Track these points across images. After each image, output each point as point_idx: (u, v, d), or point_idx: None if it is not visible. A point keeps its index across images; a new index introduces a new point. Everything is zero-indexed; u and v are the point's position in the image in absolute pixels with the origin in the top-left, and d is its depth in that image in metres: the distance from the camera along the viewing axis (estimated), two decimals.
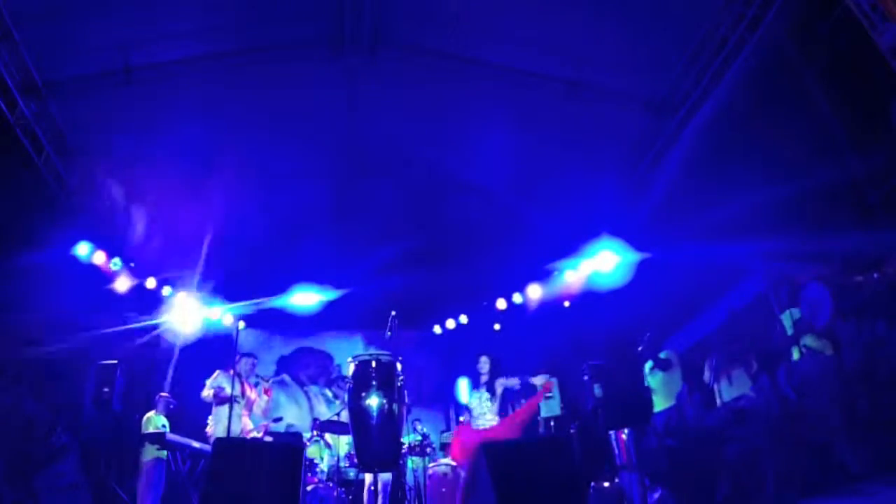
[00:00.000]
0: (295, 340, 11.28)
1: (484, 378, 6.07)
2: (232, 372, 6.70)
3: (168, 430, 7.20)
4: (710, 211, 6.80)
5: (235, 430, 6.61)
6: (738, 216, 6.52)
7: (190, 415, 7.93)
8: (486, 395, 5.99)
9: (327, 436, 7.70)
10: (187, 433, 7.14)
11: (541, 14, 7.06)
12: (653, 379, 7.25)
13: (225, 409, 6.59)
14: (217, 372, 7.02)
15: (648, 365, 7.35)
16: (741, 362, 7.24)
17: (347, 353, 6.73)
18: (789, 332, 6.11)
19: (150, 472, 7.11)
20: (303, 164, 8.59)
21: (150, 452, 7.14)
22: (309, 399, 10.62)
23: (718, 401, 6.81)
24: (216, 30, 7.00)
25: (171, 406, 7.59)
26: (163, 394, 7.71)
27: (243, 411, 6.88)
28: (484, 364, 6.07)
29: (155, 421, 7.34)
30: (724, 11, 6.60)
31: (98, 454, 7.10)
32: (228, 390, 6.58)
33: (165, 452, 6.96)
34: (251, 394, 7.07)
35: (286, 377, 10.98)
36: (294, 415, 10.19)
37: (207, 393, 6.81)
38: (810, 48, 6.21)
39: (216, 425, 6.68)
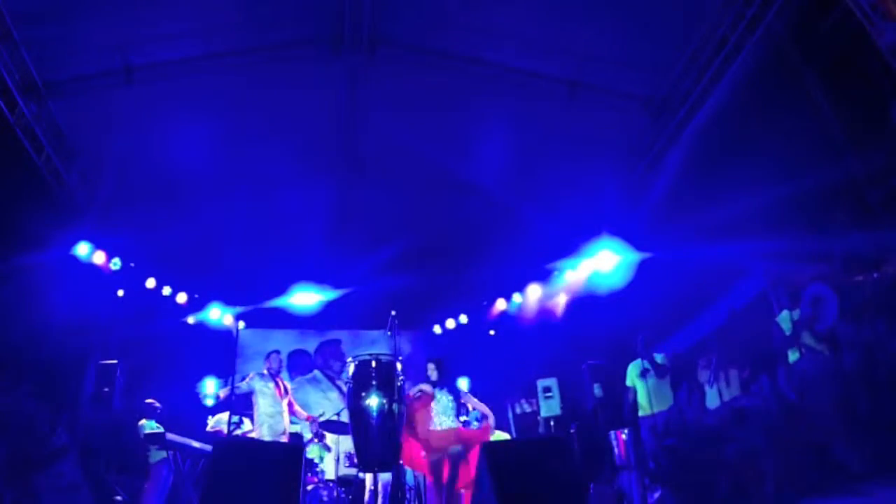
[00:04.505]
0: (315, 336, 11.29)
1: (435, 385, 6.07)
2: (266, 372, 7.05)
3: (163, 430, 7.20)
4: (710, 211, 6.80)
5: (279, 429, 6.86)
6: (738, 216, 6.52)
7: (189, 415, 7.93)
8: (450, 397, 5.96)
9: (328, 438, 7.66)
10: (187, 433, 7.14)
11: (541, 14, 7.06)
12: (647, 382, 7.18)
13: (265, 407, 6.85)
14: (252, 373, 7.17)
15: (639, 366, 7.29)
16: (739, 364, 7.23)
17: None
18: (788, 332, 6.10)
19: (158, 474, 7.12)
20: (303, 163, 8.59)
21: (157, 455, 7.14)
22: (341, 391, 10.54)
23: (718, 401, 6.80)
24: (216, 30, 7.00)
25: (159, 411, 7.57)
26: (149, 400, 7.67)
27: (284, 406, 7.04)
28: (432, 371, 6.09)
29: (149, 426, 7.34)
30: (723, 11, 6.60)
31: (98, 454, 7.10)
32: (261, 386, 6.88)
33: (165, 452, 6.97)
34: (286, 386, 7.30)
35: (317, 374, 10.99)
36: (326, 409, 10.02)
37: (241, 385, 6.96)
38: (810, 48, 6.21)
39: (261, 427, 6.82)
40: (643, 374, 7.21)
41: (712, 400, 6.92)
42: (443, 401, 5.88)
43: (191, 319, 9.89)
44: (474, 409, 6.55)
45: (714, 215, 6.74)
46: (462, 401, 6.18)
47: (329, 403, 9.73)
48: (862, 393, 4.37)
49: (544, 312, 10.30)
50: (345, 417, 6.11)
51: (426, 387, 6.00)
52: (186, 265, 9.63)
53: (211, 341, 9.72)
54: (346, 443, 7.21)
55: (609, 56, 7.44)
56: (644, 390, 7.13)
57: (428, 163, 8.36)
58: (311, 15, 7.12)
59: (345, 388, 10.30)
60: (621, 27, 7.00)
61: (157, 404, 7.55)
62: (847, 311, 5.47)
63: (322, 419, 7.39)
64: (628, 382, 7.44)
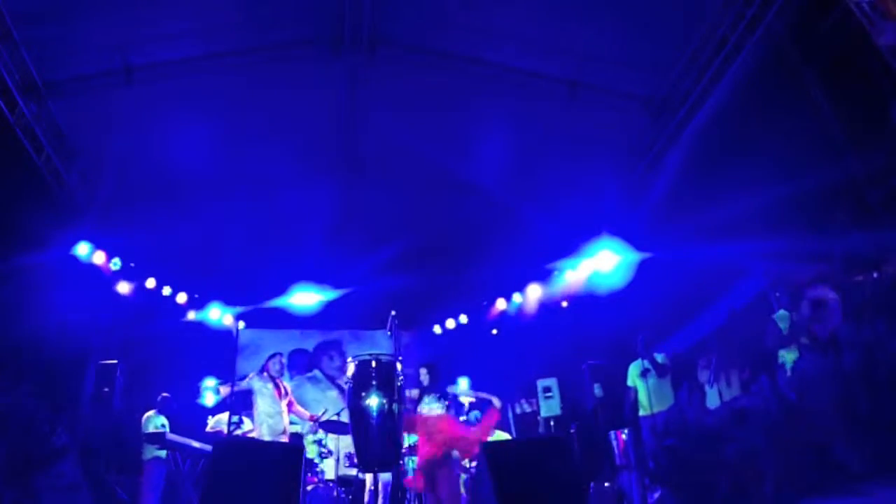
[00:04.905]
0: (309, 336, 11.30)
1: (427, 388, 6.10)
2: (265, 373, 7.10)
3: (168, 429, 7.22)
4: (710, 211, 6.80)
5: (278, 428, 6.88)
6: (737, 216, 6.52)
7: (189, 415, 7.94)
8: (441, 403, 5.97)
9: (329, 441, 7.63)
10: (187, 433, 7.15)
11: (541, 14, 7.06)
12: (647, 381, 7.20)
13: (264, 407, 6.88)
14: (252, 374, 7.23)
15: (640, 366, 7.31)
16: (739, 364, 7.23)
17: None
18: (785, 331, 6.11)
19: (150, 471, 7.15)
20: (303, 163, 8.59)
21: (151, 452, 7.18)
22: (341, 390, 10.56)
23: (718, 401, 6.81)
24: (216, 30, 7.00)
25: (174, 406, 7.61)
26: (164, 394, 7.72)
27: (283, 406, 7.08)
28: (424, 377, 6.10)
29: (154, 420, 7.36)
30: (723, 11, 6.60)
31: (98, 454, 7.11)
32: (259, 386, 6.94)
33: (165, 452, 6.98)
34: (286, 387, 7.36)
35: (317, 373, 11.00)
36: (324, 407, 10.06)
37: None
38: (810, 48, 6.21)
39: (260, 426, 6.85)
40: (644, 374, 7.23)
41: (712, 400, 6.92)
42: (432, 406, 5.87)
43: (191, 315, 9.88)
44: (472, 408, 6.53)
45: (714, 215, 6.74)
46: (460, 400, 6.17)
47: (328, 402, 9.77)
48: (862, 393, 4.37)
49: (544, 312, 10.30)
50: (345, 417, 6.12)
51: (414, 392, 5.99)
52: (186, 265, 9.63)
53: (211, 341, 9.72)
54: (346, 442, 7.22)
55: (609, 56, 7.44)
56: (645, 390, 7.14)
57: (428, 163, 8.36)
58: (311, 15, 7.12)
59: (345, 388, 10.42)
60: (621, 27, 6.99)
61: (172, 400, 7.62)
62: (847, 311, 5.47)
63: (323, 419, 7.40)
64: (629, 382, 7.46)
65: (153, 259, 9.23)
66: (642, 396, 7.18)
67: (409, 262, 9.27)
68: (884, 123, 5.45)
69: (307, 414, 7.47)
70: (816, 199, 5.96)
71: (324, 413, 7.55)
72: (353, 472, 7.18)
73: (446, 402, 5.99)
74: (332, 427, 7.35)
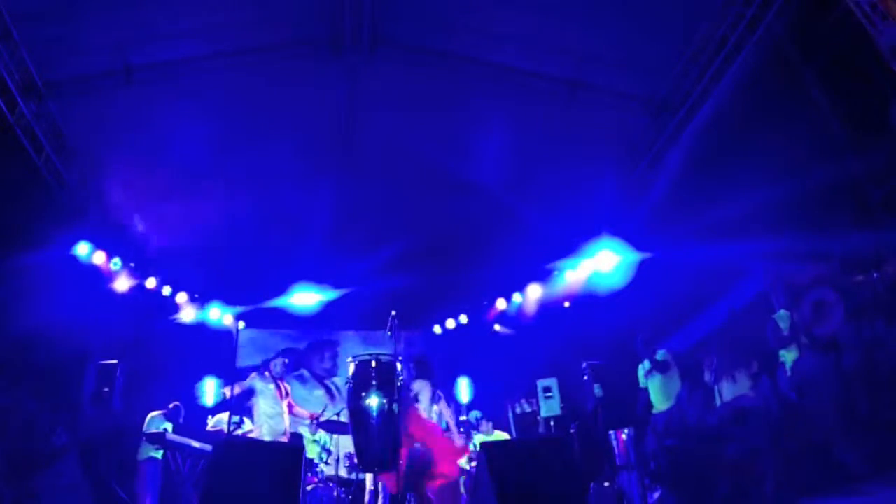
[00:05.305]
0: (305, 336, 11.31)
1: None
2: (267, 374, 7.11)
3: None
4: (710, 211, 6.81)
5: (279, 429, 6.90)
6: (737, 216, 6.53)
7: (189, 415, 7.94)
8: (433, 406, 5.98)
9: (330, 443, 7.62)
10: (188, 433, 7.15)
11: (541, 14, 7.06)
12: (651, 381, 7.27)
13: (265, 407, 6.88)
14: (253, 374, 7.22)
15: (645, 366, 7.36)
16: (741, 362, 7.23)
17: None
18: (785, 330, 6.12)
19: (145, 471, 7.15)
20: (303, 163, 8.59)
21: (147, 452, 7.18)
22: (330, 392, 10.57)
23: (718, 401, 6.81)
24: (216, 29, 7.00)
25: (180, 420, 7.59)
26: (175, 403, 7.70)
27: (284, 407, 7.08)
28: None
29: (158, 423, 7.36)
30: (723, 11, 6.60)
31: (98, 454, 7.12)
32: (261, 387, 6.93)
33: (161, 452, 6.99)
34: (287, 388, 7.37)
35: (304, 371, 11.01)
36: (311, 407, 10.10)
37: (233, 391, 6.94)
38: (810, 48, 6.22)
39: (260, 427, 6.85)
40: (647, 373, 7.29)
41: (712, 400, 6.93)
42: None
43: (188, 311, 9.82)
44: (471, 409, 6.49)
45: (714, 215, 6.75)
46: (437, 405, 6.10)
47: (314, 400, 9.81)
48: (862, 393, 4.38)
49: (544, 312, 10.30)
50: (345, 417, 6.12)
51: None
52: (186, 265, 9.63)
53: (211, 341, 9.71)
54: (346, 442, 7.22)
55: (609, 56, 7.44)
56: (651, 389, 7.23)
57: (428, 163, 8.36)
58: (311, 15, 7.11)
59: (332, 387, 10.48)
60: (621, 27, 6.99)
61: (182, 409, 7.60)
62: (847, 311, 5.48)
63: (323, 418, 7.40)
64: (641, 384, 7.51)
65: (153, 259, 9.23)
66: (652, 396, 7.26)
67: (409, 262, 9.26)
68: (884, 123, 5.45)
69: (306, 413, 7.47)
70: (816, 199, 5.96)
71: (323, 412, 7.55)
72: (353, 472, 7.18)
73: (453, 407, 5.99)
74: (332, 427, 7.35)
